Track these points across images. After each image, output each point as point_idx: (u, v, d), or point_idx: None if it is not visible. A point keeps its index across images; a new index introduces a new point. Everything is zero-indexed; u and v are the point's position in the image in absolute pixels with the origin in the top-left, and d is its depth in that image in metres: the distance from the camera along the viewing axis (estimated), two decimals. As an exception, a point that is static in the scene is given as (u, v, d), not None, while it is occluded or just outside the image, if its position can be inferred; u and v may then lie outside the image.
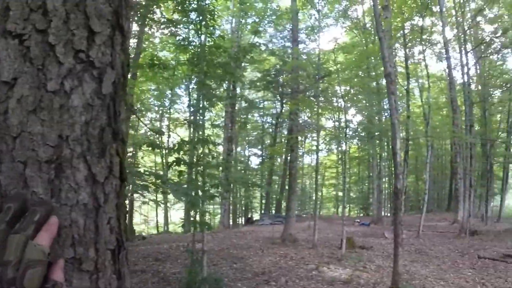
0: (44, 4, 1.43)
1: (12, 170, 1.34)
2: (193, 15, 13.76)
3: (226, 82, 24.16)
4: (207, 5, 13.86)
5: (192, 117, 14.04)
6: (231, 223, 42.14)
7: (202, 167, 11.64)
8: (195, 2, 13.39)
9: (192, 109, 14.49)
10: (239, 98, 39.39)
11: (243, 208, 54.88)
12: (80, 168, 1.45)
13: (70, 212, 1.41)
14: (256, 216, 52.85)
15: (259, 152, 53.81)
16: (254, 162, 59.42)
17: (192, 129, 14.38)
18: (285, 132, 43.68)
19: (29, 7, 1.42)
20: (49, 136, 1.39)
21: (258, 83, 36.70)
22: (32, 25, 1.41)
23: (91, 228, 1.47)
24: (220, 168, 14.78)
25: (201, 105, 12.62)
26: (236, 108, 39.83)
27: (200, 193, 11.92)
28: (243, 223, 47.21)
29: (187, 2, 13.61)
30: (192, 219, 12.53)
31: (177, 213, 48.47)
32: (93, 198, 1.48)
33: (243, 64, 28.82)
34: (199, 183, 11.98)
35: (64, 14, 1.46)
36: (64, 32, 1.46)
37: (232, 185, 27.74)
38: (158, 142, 27.47)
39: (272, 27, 38.73)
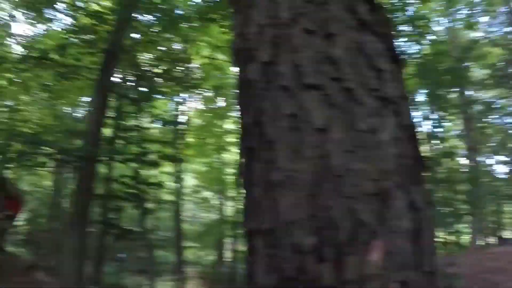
0: (330, 57, 1.65)
1: (341, 204, 1.53)
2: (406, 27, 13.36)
3: (456, 87, 22.53)
4: (417, 13, 13.27)
5: (428, 130, 13.51)
6: (480, 243, 38.25)
7: (449, 182, 11.05)
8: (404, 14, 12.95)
9: (428, 121, 13.94)
10: (472, 102, 36.14)
11: (492, 226, 49.32)
12: (400, 197, 1.59)
13: (396, 238, 1.54)
14: (508, 235, 46.79)
15: (506, 159, 47.87)
16: (501, 170, 53.13)
17: (431, 143, 13.79)
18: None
19: (317, 61, 1.65)
20: (370, 171, 1.57)
21: (487, 81, 33.10)
22: (326, 75, 1.63)
23: (415, 252, 1.57)
24: (466, 182, 13.76)
25: (436, 116, 12.07)
26: (470, 113, 36.55)
27: (448, 211, 11.25)
28: (495, 242, 42.27)
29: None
30: (441, 239, 11.85)
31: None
32: (414, 223, 1.59)
33: (467, 64, 26.55)
34: (447, 200, 11.36)
35: (349, 60, 1.67)
36: (355, 76, 1.66)
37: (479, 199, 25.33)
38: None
39: (485, 16, 34.66)
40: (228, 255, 28.53)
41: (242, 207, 1.85)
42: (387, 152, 1.60)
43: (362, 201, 1.53)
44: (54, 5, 11.03)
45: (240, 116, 1.83)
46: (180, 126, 15.98)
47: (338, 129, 1.59)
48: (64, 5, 10.77)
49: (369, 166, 1.57)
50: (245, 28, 1.86)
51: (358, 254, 1.46)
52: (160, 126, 20.82)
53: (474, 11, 33.35)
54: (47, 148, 9.87)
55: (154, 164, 9.97)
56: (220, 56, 20.49)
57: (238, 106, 1.87)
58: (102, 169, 14.69)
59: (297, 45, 1.68)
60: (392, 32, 1.89)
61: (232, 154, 25.82)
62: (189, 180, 27.20)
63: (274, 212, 1.56)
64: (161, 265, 22.40)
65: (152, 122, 13.29)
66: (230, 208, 28.87)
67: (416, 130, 1.75)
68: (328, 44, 1.67)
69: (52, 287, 10.51)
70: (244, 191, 1.75)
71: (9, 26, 15.52)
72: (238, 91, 1.87)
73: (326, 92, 1.62)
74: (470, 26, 24.13)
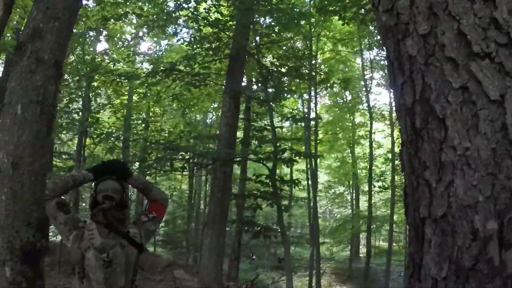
0: (495, 21, 1.46)
1: None
2: None
3: None
4: None
5: None
6: None
7: None
8: None
9: None
10: None
11: None
12: None
13: None
14: None
15: None
16: None
17: None
18: None
19: (481, 27, 1.46)
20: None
21: None
22: (494, 42, 1.44)
23: None
24: None
25: None
26: None
27: None
28: None
29: None
30: None
31: None
32: None
33: None
34: None
35: None
36: None
37: None
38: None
39: None
40: (362, 250, 28.01)
41: (406, 193, 1.73)
42: None
43: None
44: (177, 20, 11.70)
45: (398, 96, 1.70)
46: (310, 123, 15.98)
47: None
48: (185, 18, 11.36)
49: None
50: (394, 1, 1.73)
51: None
52: (291, 124, 21.18)
53: None
54: (183, 153, 10.53)
55: (289, 162, 10.06)
56: (344, 49, 20.27)
57: (394, 87, 1.75)
58: (237, 169, 15.31)
59: (457, 12, 1.52)
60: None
61: (364, 148, 25.28)
62: (322, 176, 27.20)
63: (448, 196, 1.43)
64: (296, 261, 22.68)
65: (282, 120, 13.49)
66: (364, 203, 28.31)
67: None
68: (489, 7, 1.48)
69: (190, 284, 11.17)
70: (409, 176, 1.63)
71: (137, 45, 16.93)
72: (392, 71, 1.74)
73: (497, 60, 1.43)
74: None
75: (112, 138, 9.96)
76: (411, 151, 1.60)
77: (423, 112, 1.53)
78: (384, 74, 20.99)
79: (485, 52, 1.44)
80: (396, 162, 19.96)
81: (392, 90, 1.88)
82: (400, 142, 1.78)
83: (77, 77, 11.76)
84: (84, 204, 20.76)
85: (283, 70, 11.65)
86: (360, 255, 27.21)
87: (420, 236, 1.54)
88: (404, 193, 1.76)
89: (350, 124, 24.46)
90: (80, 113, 12.49)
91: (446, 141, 1.45)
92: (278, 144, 10.63)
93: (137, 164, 10.90)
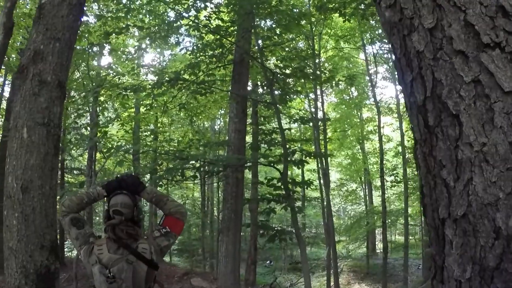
0: (502, 8, 1.40)
1: None
2: None
3: None
4: None
5: None
6: None
7: None
8: None
9: None
10: None
11: None
12: None
13: None
14: None
15: None
16: None
17: None
18: None
19: (488, 16, 1.41)
20: None
21: None
22: (502, 30, 1.39)
23: None
24: None
25: None
26: None
27: None
28: None
29: None
30: None
31: None
32: None
33: None
34: None
35: None
36: None
37: None
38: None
39: None
40: (379, 246, 27.80)
41: (423, 194, 1.68)
42: None
43: None
44: (179, 30, 11.71)
45: (408, 94, 1.65)
46: (318, 122, 15.90)
47: None
48: (186, 27, 11.35)
49: None
50: (398, -3, 1.68)
51: None
52: (299, 125, 21.10)
53: None
54: (194, 162, 10.52)
55: (300, 163, 10.00)
56: (346, 46, 20.20)
57: (403, 84, 1.70)
58: (248, 174, 15.27)
59: (462, 2, 1.46)
60: None
61: (374, 143, 25.13)
62: (334, 175, 27.10)
63: (467, 195, 1.38)
64: (313, 261, 22.57)
65: (291, 122, 13.43)
66: (377, 198, 28.12)
67: None
68: None
69: None
70: (425, 175, 1.58)
71: (141, 58, 16.98)
72: (400, 68, 1.70)
73: (508, 49, 1.38)
74: None
75: (121, 151, 9.97)
76: (426, 150, 1.55)
77: (435, 109, 1.48)
78: (388, 67, 20.86)
79: (495, 42, 1.39)
80: (407, 155, 19.82)
81: (398, 84, 1.84)
82: (413, 141, 1.73)
83: (83, 93, 11.81)
84: (98, 218, 20.88)
85: (287, 71, 11.60)
86: (377, 251, 27.02)
87: (440, 238, 1.49)
88: (420, 194, 1.71)
89: (358, 120, 24.34)
90: (89, 128, 12.53)
91: (461, 138, 1.40)
92: (288, 146, 10.57)
93: (148, 175, 10.88)
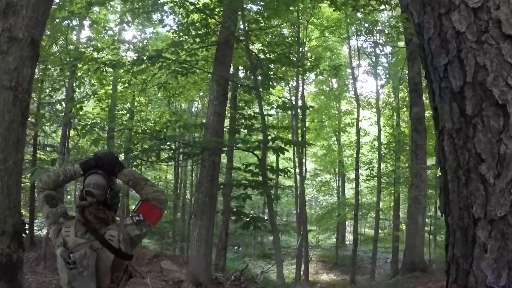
0: None
1: None
2: None
3: None
4: None
5: None
6: None
7: None
8: None
9: None
10: None
11: None
12: None
13: None
14: None
15: None
16: None
17: None
18: None
19: None
20: None
21: None
22: None
23: None
24: None
25: None
26: None
27: None
28: None
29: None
30: None
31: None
32: None
33: None
34: None
35: None
36: None
37: None
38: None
39: None
40: (348, 237, 28.13)
41: (446, 190, 1.54)
42: None
43: None
44: (163, 7, 11.31)
45: (439, 79, 1.50)
46: (298, 111, 15.80)
47: None
48: (171, 4, 11.00)
49: None
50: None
51: None
52: (278, 112, 20.98)
53: None
54: (170, 143, 10.26)
55: (279, 150, 9.86)
56: (331, 37, 20.09)
57: (432, 68, 1.55)
58: (223, 158, 15.11)
59: None
60: None
61: (350, 136, 25.26)
62: (308, 164, 27.12)
63: (509, 194, 1.25)
64: (283, 249, 22.70)
65: (271, 108, 13.31)
66: (349, 190, 28.34)
67: None
68: None
69: (178, 275, 10.98)
70: (455, 170, 1.44)
71: (122, 33, 16.49)
72: (429, 50, 1.54)
73: None
74: None
75: (96, 129, 9.59)
76: (459, 142, 1.41)
77: (475, 96, 1.34)
78: (371, 62, 20.89)
79: None
80: (383, 150, 19.98)
81: (423, 68, 1.68)
82: (438, 131, 1.58)
83: (59, 67, 11.32)
84: (69, 197, 20.43)
85: (272, 57, 11.40)
86: (346, 242, 27.35)
87: (470, 239, 1.36)
88: (442, 190, 1.56)
89: (336, 112, 24.38)
90: (64, 104, 12.07)
91: (506, 131, 1.27)
92: (267, 133, 10.42)
93: (122, 155, 10.58)
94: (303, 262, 17.22)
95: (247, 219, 10.86)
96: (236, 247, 24.14)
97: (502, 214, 1.26)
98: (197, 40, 10.98)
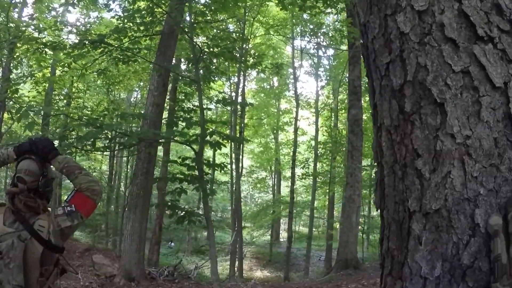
0: (498, 6, 1.36)
1: None
2: None
3: None
4: None
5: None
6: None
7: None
8: None
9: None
10: None
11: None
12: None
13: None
14: None
15: None
16: None
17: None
18: None
19: (483, 10, 1.36)
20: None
21: None
22: (496, 27, 1.35)
23: None
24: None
25: None
26: None
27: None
28: None
29: None
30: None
31: None
32: None
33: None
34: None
35: None
36: None
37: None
38: None
39: None
40: (283, 235, 28.61)
41: (380, 184, 1.59)
42: None
43: None
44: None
45: (380, 77, 1.55)
46: (238, 107, 15.84)
47: None
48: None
49: None
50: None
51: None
52: (218, 107, 20.92)
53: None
54: (107, 132, 9.96)
55: (217, 145, 9.82)
56: (275, 36, 20.27)
57: (374, 67, 1.60)
58: (159, 151, 14.88)
59: None
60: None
61: (288, 134, 25.65)
62: (245, 161, 27.29)
63: (444, 188, 1.31)
64: (218, 245, 22.72)
65: (210, 103, 13.23)
66: (285, 188, 28.80)
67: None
68: None
69: (110, 269, 10.71)
70: (391, 165, 1.49)
71: (65, 14, 15.81)
72: (372, 49, 1.59)
73: (500, 46, 1.34)
74: None
75: (31, 113, 9.10)
76: (396, 138, 1.46)
77: (415, 95, 1.40)
78: (313, 63, 21.33)
79: (489, 36, 1.34)
80: (320, 150, 20.45)
81: (365, 67, 1.73)
82: (376, 128, 1.62)
83: (-3, 45, 10.64)
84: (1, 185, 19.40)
85: (215, 51, 11.34)
86: (281, 239, 27.77)
87: (404, 232, 1.41)
88: (378, 185, 1.61)
89: (276, 110, 24.69)
90: (-1, 83, 11.37)
91: (443, 128, 1.33)
92: (206, 127, 10.35)
93: (57, 142, 10.12)
94: (237, 258, 17.31)
95: (182, 214, 10.73)
96: (170, 242, 23.90)
97: (437, 207, 1.32)
98: (142, 28, 10.74)
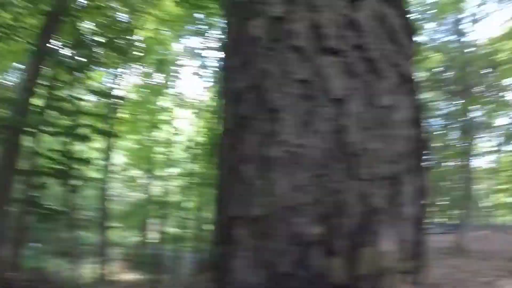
0: (353, 22, 1.42)
1: (353, 188, 1.32)
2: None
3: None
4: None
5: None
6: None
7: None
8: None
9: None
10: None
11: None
12: (408, 182, 1.41)
13: (406, 226, 1.38)
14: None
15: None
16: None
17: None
18: (454, 134, 40.57)
19: (338, 24, 1.41)
20: (386, 153, 1.37)
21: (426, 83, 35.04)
22: (347, 41, 1.41)
23: (419, 241, 1.44)
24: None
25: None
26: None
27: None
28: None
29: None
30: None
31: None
32: (419, 211, 1.45)
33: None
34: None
35: (372, 29, 1.46)
36: (378, 47, 1.44)
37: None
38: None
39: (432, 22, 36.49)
40: (153, 236, 28.01)
41: (217, 188, 1.56)
42: (401, 133, 1.42)
43: (375, 185, 1.33)
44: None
45: (228, 78, 1.57)
46: (115, 100, 15.25)
47: (357, 102, 1.37)
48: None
49: (386, 147, 1.37)
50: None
51: (372, 245, 1.26)
52: (94, 98, 19.88)
53: (423, 16, 34.63)
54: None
55: (85, 139, 9.33)
56: (165, 31, 19.89)
57: (226, 67, 1.61)
58: (27, 141, 13.80)
59: (317, 3, 1.43)
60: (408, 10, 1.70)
61: (165, 133, 25.22)
62: (118, 157, 26.28)
63: (269, 195, 1.31)
64: (84, 246, 21.59)
65: (86, 93, 12.55)
66: (157, 188, 28.24)
67: (423, 112, 1.59)
68: (353, 8, 1.44)
69: None
70: (224, 168, 1.49)
71: None
72: (231, 48, 1.61)
73: (347, 59, 1.39)
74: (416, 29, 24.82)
75: None
76: (231, 141, 1.45)
77: (253, 100, 1.40)
78: (199, 64, 21.29)
79: (337, 49, 1.38)
80: (197, 151, 20.49)
81: (221, 69, 1.73)
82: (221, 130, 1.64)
83: None
84: None
85: (100, 39, 10.81)
86: (151, 241, 27.18)
87: (229, 238, 1.39)
88: (217, 188, 1.58)
89: (155, 107, 24.18)
90: None
91: (275, 135, 1.33)
92: (76, 118, 9.80)
93: None
94: (105, 260, 16.61)
95: (47, 212, 10.06)
96: (33, 243, 22.10)
97: (259, 214, 1.31)
98: (26, 5, 9.95)
